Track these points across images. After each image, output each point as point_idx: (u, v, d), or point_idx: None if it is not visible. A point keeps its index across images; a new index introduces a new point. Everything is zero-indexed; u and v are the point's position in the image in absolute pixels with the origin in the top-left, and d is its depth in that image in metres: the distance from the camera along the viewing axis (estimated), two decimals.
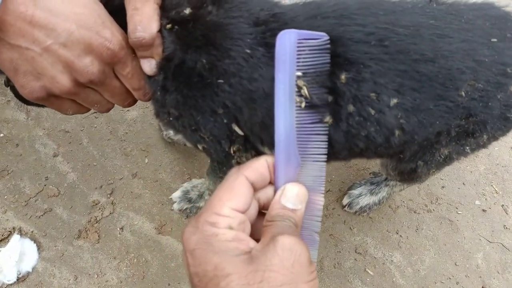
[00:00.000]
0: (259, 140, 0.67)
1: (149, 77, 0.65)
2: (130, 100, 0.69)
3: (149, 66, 0.64)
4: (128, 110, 1.29)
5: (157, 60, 0.63)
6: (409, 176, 0.85)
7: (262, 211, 0.47)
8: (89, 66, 0.57)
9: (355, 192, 1.13)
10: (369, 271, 1.08)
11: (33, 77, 0.56)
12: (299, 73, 0.44)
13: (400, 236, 1.13)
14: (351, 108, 0.60)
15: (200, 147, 0.72)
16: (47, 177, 1.18)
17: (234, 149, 0.70)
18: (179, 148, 1.24)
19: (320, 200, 0.47)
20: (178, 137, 1.16)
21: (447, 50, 0.60)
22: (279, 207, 0.44)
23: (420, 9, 0.62)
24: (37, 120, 1.26)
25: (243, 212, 0.43)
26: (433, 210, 1.16)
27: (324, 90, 0.48)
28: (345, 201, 1.14)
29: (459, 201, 1.18)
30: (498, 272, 1.08)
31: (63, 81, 0.57)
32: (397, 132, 0.63)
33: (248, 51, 0.59)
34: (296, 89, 0.44)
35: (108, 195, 1.17)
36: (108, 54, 0.58)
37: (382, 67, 0.59)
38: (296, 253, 0.39)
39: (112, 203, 1.16)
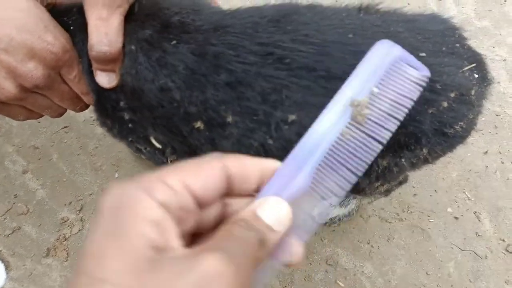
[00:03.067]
0: (171, 149, 0.66)
1: (88, 80, 0.63)
2: (81, 105, 0.69)
3: (107, 80, 0.61)
4: (98, 124, 1.28)
5: (117, 74, 0.61)
6: (353, 188, 0.83)
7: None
8: (33, 70, 0.56)
9: None
10: (340, 283, 1.07)
11: None
12: (376, 89, 0.36)
13: (372, 246, 1.12)
14: (230, 119, 0.61)
15: (144, 157, 0.72)
16: (16, 194, 1.17)
17: (171, 159, 0.69)
18: (150, 162, 1.23)
19: (296, 248, 0.33)
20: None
21: None
22: (251, 214, 0.30)
23: (340, 21, 0.61)
24: (7, 136, 1.25)
25: (197, 198, 0.29)
26: (405, 218, 1.15)
27: (390, 126, 0.36)
28: None
29: (431, 209, 1.17)
30: (470, 281, 1.07)
31: (8, 87, 0.57)
32: None
33: (133, 47, 0.60)
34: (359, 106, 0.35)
35: (77, 212, 1.16)
36: (52, 58, 0.57)
37: (274, 84, 0.58)
38: None
39: (81, 219, 1.15)
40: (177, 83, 0.60)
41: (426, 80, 0.38)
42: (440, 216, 1.16)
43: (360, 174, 0.35)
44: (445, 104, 0.63)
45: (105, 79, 0.61)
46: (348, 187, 0.36)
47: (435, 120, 0.64)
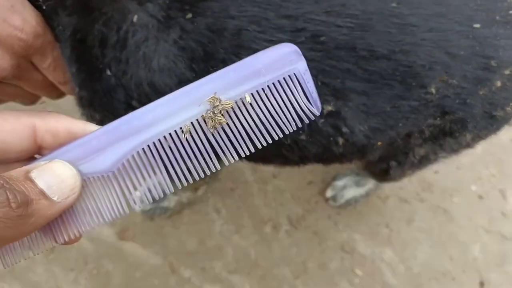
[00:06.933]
0: None
1: (69, 69, 0.52)
2: (58, 92, 0.59)
3: None
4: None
5: None
6: (382, 177, 0.76)
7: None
8: None
9: (340, 183, 1.01)
10: (358, 271, 0.97)
11: None
12: (249, 98, 0.28)
13: (391, 230, 1.02)
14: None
15: None
16: None
17: None
18: None
19: (73, 231, 0.28)
20: None
21: (407, 43, 0.48)
22: (21, 173, 0.24)
23: None
24: None
25: None
26: (426, 198, 1.06)
27: (240, 149, 0.29)
28: (329, 193, 1.02)
29: (454, 188, 1.07)
30: (496, 265, 0.99)
31: None
32: (340, 141, 0.53)
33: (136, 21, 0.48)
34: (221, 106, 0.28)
35: None
36: (21, 45, 0.47)
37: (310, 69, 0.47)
38: None
39: None
40: (197, 72, 0.47)
41: (312, 118, 0.30)
42: (463, 195, 1.07)
43: (179, 186, 0.28)
44: (499, 83, 0.54)
45: None
46: (159, 195, 0.28)
47: (485, 102, 0.55)
